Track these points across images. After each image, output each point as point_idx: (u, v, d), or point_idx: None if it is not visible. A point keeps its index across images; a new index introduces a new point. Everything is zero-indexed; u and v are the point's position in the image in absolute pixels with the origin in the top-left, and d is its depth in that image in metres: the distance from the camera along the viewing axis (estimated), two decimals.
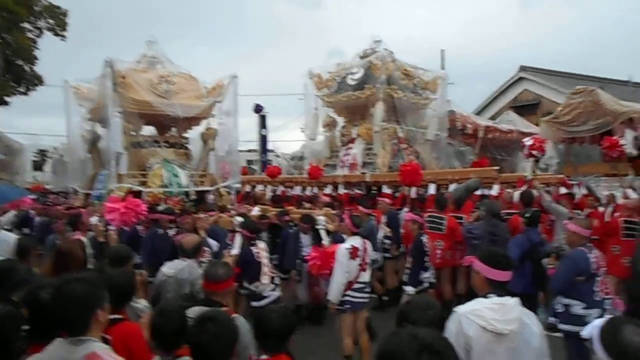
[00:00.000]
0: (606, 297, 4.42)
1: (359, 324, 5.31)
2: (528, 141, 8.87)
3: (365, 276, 5.32)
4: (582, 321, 4.17)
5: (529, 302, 5.31)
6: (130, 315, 3.37)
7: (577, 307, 4.29)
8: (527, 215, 6.10)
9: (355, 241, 5.24)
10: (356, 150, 11.83)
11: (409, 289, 6.05)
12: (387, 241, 7.86)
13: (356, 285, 5.18)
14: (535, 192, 7.91)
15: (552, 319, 4.64)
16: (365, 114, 12.09)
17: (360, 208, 7.63)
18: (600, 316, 4.23)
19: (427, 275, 6.27)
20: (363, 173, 11.27)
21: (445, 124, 13.25)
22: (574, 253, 4.44)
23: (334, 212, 7.91)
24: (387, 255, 7.88)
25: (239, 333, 2.43)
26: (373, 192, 10.48)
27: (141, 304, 3.67)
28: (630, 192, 8.74)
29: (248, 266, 5.92)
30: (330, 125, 13.19)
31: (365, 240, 5.40)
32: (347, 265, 5.07)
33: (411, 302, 2.47)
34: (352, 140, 12.22)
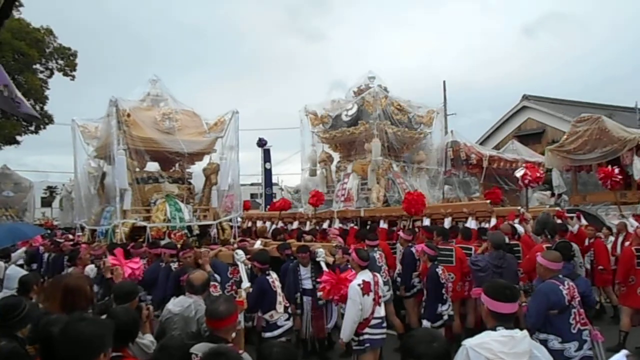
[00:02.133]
0: (583, 328, 4.27)
1: None
2: (519, 172, 8.79)
3: (381, 311, 5.21)
4: (561, 356, 4.07)
5: None
6: (135, 351, 3.36)
7: (554, 342, 4.13)
8: (553, 248, 5.77)
9: (366, 275, 5.14)
10: (351, 185, 11.96)
11: (426, 324, 5.94)
12: (399, 279, 7.62)
13: (373, 322, 5.05)
14: (524, 226, 7.93)
15: None
16: (359, 150, 12.29)
17: (367, 242, 7.58)
18: (579, 349, 4.15)
19: (445, 308, 6.15)
20: (358, 208, 11.38)
21: (442, 157, 13.47)
22: (544, 286, 4.30)
23: (337, 245, 7.77)
24: (398, 293, 7.62)
25: None
26: (369, 226, 10.53)
27: (147, 339, 3.64)
28: (632, 220, 8.68)
29: (264, 295, 6.02)
30: (326, 160, 13.39)
31: (375, 274, 5.33)
32: (360, 303, 4.95)
33: (414, 335, 2.38)
34: (347, 176, 12.38)
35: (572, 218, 8.80)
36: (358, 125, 12.09)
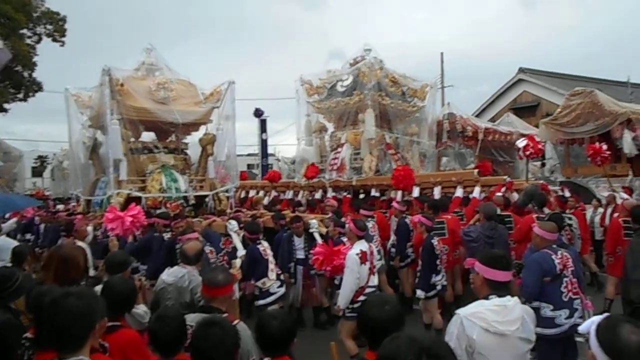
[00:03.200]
0: (574, 297, 4.39)
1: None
2: (521, 142, 8.88)
3: (375, 280, 5.31)
4: (551, 323, 4.21)
5: None
6: (130, 321, 3.38)
7: (546, 309, 4.25)
8: (546, 219, 5.77)
9: (363, 245, 5.22)
10: (344, 155, 12.01)
11: (420, 293, 6.04)
12: (393, 249, 7.74)
13: (368, 290, 5.14)
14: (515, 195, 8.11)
15: None
16: (353, 120, 12.33)
17: (362, 212, 7.62)
18: (570, 317, 4.29)
19: (439, 279, 6.24)
20: (350, 178, 11.50)
21: (435, 130, 13.61)
22: (537, 256, 4.41)
23: (330, 217, 7.81)
24: (392, 263, 7.74)
25: (240, 339, 2.43)
26: (362, 195, 10.74)
27: (141, 309, 3.67)
28: (622, 193, 8.82)
29: (255, 263, 6.15)
30: (320, 131, 13.43)
31: (370, 244, 5.41)
32: (357, 271, 5.04)
33: (368, 300, 2.52)
34: (340, 145, 12.41)
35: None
36: (353, 95, 12.08)
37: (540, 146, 9.12)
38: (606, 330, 1.76)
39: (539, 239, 4.51)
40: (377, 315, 2.29)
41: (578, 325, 4.32)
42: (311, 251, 6.45)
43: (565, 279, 4.34)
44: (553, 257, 4.32)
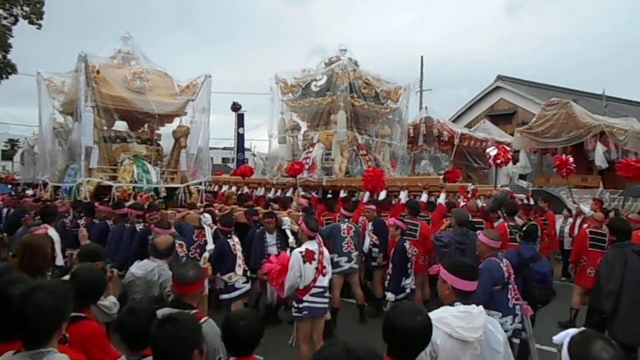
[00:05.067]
0: (516, 302, 4.54)
1: (317, 331, 5.22)
2: (492, 151, 9.05)
3: (324, 280, 5.22)
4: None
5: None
6: (96, 312, 3.31)
7: (496, 317, 4.22)
8: (523, 228, 5.94)
9: (311, 245, 5.14)
10: (315, 154, 12.02)
11: (390, 296, 6.06)
12: (375, 249, 7.70)
13: (314, 290, 5.06)
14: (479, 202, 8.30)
15: None
16: (326, 120, 12.42)
17: (343, 211, 7.64)
18: (513, 322, 4.45)
19: (409, 282, 6.27)
20: (320, 178, 11.55)
21: (407, 132, 13.79)
22: (488, 264, 4.41)
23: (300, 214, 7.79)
24: (374, 264, 7.73)
25: (200, 336, 2.38)
26: (330, 195, 10.84)
27: (108, 300, 3.60)
28: (583, 207, 9.05)
29: (224, 257, 6.14)
30: (294, 129, 13.47)
31: (322, 245, 5.31)
32: (298, 269, 5.00)
33: (399, 307, 2.38)
34: (312, 145, 12.45)
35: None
36: (326, 96, 12.17)
37: (509, 155, 9.32)
38: (578, 345, 1.78)
39: (484, 247, 4.55)
40: (406, 325, 2.19)
41: (518, 329, 4.58)
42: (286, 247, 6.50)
43: (509, 286, 4.47)
44: (501, 264, 4.42)
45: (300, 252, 5.03)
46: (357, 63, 12.62)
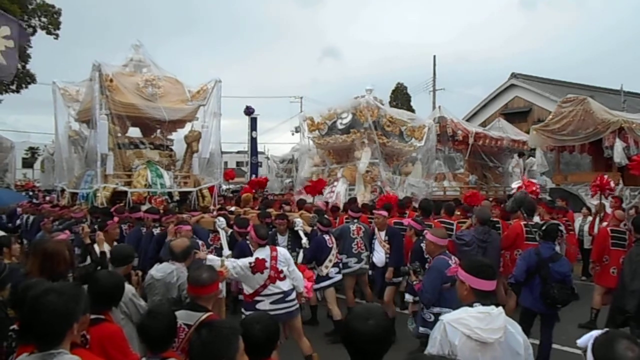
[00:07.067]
0: None
1: (295, 334, 5.16)
2: (516, 184, 9.00)
3: (285, 285, 4.98)
4: None
5: (545, 320, 5.31)
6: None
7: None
8: (542, 228, 5.82)
9: (261, 253, 4.95)
10: (339, 189, 12.36)
11: (408, 297, 6.01)
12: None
13: (274, 297, 4.88)
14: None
15: (422, 329, 4.73)
16: (351, 156, 12.84)
17: (350, 212, 7.62)
18: None
19: None
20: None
21: (431, 171, 14.07)
22: (437, 263, 4.48)
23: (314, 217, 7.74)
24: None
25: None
26: None
27: (143, 302, 3.72)
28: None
29: (322, 251, 6.51)
30: (320, 164, 13.91)
31: (274, 249, 5.12)
32: (246, 278, 4.85)
33: (352, 311, 2.26)
34: (336, 180, 12.76)
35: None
36: (350, 133, 12.55)
37: (534, 188, 9.33)
38: (603, 345, 1.76)
39: (432, 245, 4.65)
40: (356, 329, 2.09)
41: None
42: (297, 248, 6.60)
43: None
44: (450, 262, 4.48)
45: (250, 263, 4.84)
46: (382, 102, 13.05)
